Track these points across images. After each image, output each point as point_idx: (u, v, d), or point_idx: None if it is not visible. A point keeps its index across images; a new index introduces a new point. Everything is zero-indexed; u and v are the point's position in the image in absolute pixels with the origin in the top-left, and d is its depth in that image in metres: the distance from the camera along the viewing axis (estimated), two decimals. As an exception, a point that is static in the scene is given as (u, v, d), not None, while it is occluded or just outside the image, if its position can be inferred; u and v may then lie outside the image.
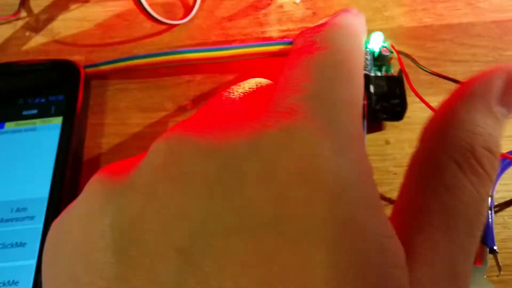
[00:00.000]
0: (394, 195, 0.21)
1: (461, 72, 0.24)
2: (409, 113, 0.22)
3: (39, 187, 0.20)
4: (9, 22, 0.28)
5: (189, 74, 0.25)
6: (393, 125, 0.22)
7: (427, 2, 0.27)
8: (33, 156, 0.20)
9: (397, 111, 0.22)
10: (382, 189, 0.21)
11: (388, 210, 0.12)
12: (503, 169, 0.20)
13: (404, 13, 0.26)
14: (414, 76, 0.22)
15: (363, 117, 0.22)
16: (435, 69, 0.24)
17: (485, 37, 0.25)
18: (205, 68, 0.25)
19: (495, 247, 0.18)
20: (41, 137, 0.21)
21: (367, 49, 0.23)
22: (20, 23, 0.28)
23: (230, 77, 0.25)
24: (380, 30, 0.25)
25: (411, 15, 0.26)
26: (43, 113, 0.22)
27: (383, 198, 0.21)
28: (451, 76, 0.23)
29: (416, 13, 0.26)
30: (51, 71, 0.23)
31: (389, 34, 0.25)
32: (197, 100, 0.24)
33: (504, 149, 0.21)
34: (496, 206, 0.20)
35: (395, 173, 0.21)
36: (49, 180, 0.20)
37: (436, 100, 0.22)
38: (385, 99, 0.22)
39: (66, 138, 0.21)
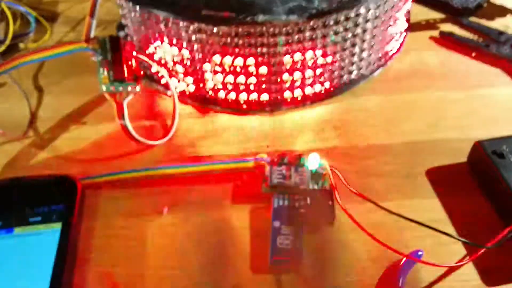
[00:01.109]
0: (328, 284, 0.26)
1: (380, 183, 0.30)
2: (341, 219, 0.28)
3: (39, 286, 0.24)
4: (18, 140, 0.34)
5: (165, 185, 0.31)
6: (327, 227, 0.28)
7: (355, 126, 0.34)
8: (35, 257, 0.25)
9: (328, 217, 0.28)
10: (318, 282, 0.26)
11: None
12: (409, 267, 0.26)
13: (337, 135, 0.33)
14: (342, 188, 0.29)
15: (302, 223, 0.28)
16: (361, 181, 0.30)
17: (400, 155, 0.32)
18: (179, 180, 0.31)
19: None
20: (43, 241, 0.26)
21: (306, 167, 0.30)
22: (27, 141, 0.34)
23: (200, 186, 0.30)
24: (319, 149, 0.32)
25: (343, 136, 0.33)
26: (46, 220, 0.27)
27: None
28: (372, 187, 0.30)
29: (347, 135, 0.33)
30: (53, 184, 0.29)
31: (326, 152, 0.32)
32: (172, 206, 0.30)
33: (412, 248, 0.27)
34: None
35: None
36: (49, 279, 0.24)
37: (363, 207, 0.29)
38: (316, 207, 0.28)
39: (64, 241, 0.26)
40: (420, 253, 0.26)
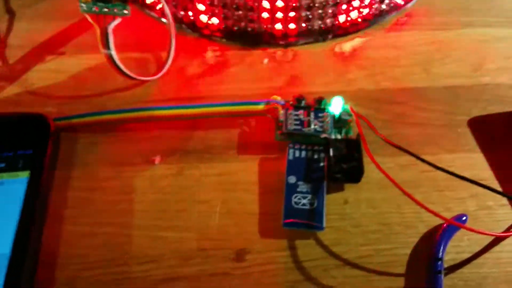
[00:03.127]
0: (351, 255, 0.22)
1: (414, 134, 0.25)
2: (367, 173, 0.23)
3: (1, 243, 0.20)
4: (-18, 71, 0.28)
5: (158, 130, 0.25)
6: (352, 185, 0.24)
7: (385, 66, 0.29)
8: (-2, 210, 0.21)
9: (355, 174, 0.23)
10: (339, 249, 0.22)
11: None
12: (450, 234, 0.21)
13: (364, 76, 0.28)
14: (372, 138, 0.24)
15: (323, 178, 0.23)
16: (390, 131, 0.25)
17: (438, 101, 0.27)
18: (174, 124, 0.26)
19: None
20: (7, 192, 0.21)
21: (328, 112, 0.25)
22: (-6, 73, 0.28)
23: (199, 132, 0.25)
24: (342, 92, 0.26)
25: (370, 78, 0.28)
26: (11, 167, 0.22)
27: (340, 258, 0.21)
28: (404, 138, 0.25)
29: (375, 76, 0.28)
30: (20, 124, 0.24)
31: (350, 96, 0.27)
32: (165, 155, 0.25)
33: (454, 212, 0.22)
34: (445, 269, 0.21)
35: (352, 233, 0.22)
36: (12, 236, 0.20)
37: (392, 161, 0.24)
38: (344, 161, 0.23)
39: (32, 193, 0.21)
40: (464, 218, 0.22)
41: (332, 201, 0.23)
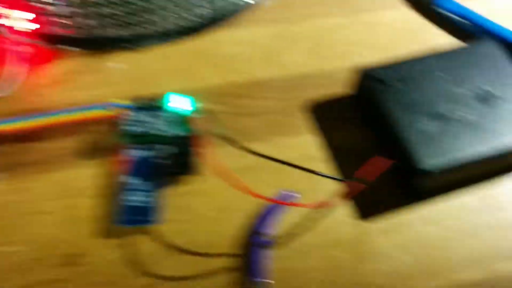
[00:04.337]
0: (188, 244, 0.22)
1: (257, 123, 0.27)
2: (202, 166, 0.24)
3: None
4: None
5: (-2, 144, 0.25)
6: (191, 177, 0.24)
7: (234, 62, 0.30)
8: None
9: (187, 167, 0.24)
10: (176, 240, 0.22)
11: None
12: (274, 211, 0.22)
13: (213, 73, 0.29)
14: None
15: (161, 175, 0.24)
16: (236, 123, 0.27)
17: (280, 89, 0.28)
18: (17, 138, 0.25)
19: (266, 280, 0.20)
20: None
21: (170, 111, 0.25)
22: None
23: (38, 143, 0.25)
24: (190, 90, 0.27)
25: (218, 74, 0.29)
26: None
27: (176, 248, 0.22)
28: (248, 128, 0.26)
29: (223, 72, 0.29)
30: None
31: (197, 93, 0.28)
32: (5, 170, 0.24)
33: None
34: (273, 243, 0.22)
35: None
36: None
37: (222, 153, 0.25)
38: (182, 157, 0.24)
39: None
40: (292, 194, 0.23)
41: (171, 195, 0.24)
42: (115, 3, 0.28)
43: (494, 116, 0.24)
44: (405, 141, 0.23)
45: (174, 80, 0.29)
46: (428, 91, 0.25)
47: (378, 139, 0.26)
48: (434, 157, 0.23)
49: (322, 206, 0.23)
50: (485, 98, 0.25)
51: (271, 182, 0.24)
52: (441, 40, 0.31)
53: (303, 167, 0.22)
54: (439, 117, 0.24)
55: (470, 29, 0.31)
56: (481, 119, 0.24)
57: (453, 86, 0.25)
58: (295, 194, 0.23)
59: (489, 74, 0.26)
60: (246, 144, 0.25)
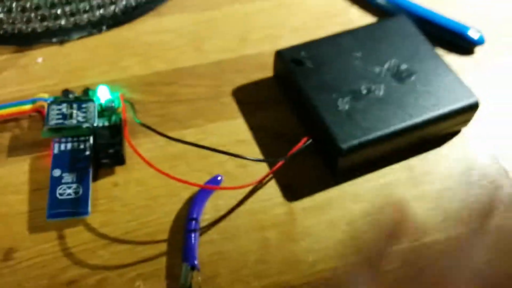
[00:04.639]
0: (118, 233, 0.23)
1: (183, 110, 0.27)
2: (134, 154, 0.24)
3: None
4: None
5: None
6: (121, 168, 0.25)
7: (159, 50, 0.30)
8: None
9: (117, 157, 0.24)
10: (107, 229, 0.23)
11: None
12: (204, 196, 0.24)
13: (138, 62, 0.29)
14: (146, 120, 0.25)
15: (88, 166, 0.24)
16: (163, 111, 0.27)
17: (206, 76, 0.29)
18: None
19: (195, 263, 0.22)
20: None
21: (93, 102, 0.26)
22: None
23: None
24: (116, 80, 0.28)
25: (144, 63, 0.29)
26: None
27: (108, 237, 0.23)
28: (174, 115, 0.27)
29: (149, 61, 0.30)
30: None
31: (124, 83, 0.28)
32: None
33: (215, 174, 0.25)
34: (204, 227, 0.23)
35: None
36: None
37: (162, 139, 0.25)
38: (109, 147, 0.25)
39: None
40: (219, 178, 0.24)
41: (102, 187, 0.24)
42: (33, -3, 0.27)
43: (407, 91, 0.26)
44: (322, 121, 0.24)
45: (99, 72, 0.29)
46: (342, 69, 0.26)
47: (300, 119, 0.27)
48: (350, 135, 0.24)
49: (249, 186, 0.24)
50: (398, 73, 0.26)
51: (201, 167, 0.25)
52: (362, 21, 0.33)
53: (226, 152, 0.24)
54: (354, 94, 0.25)
55: (390, 9, 0.33)
56: (394, 94, 0.25)
57: (367, 63, 0.27)
58: (223, 178, 0.24)
59: (401, 49, 0.27)
60: (177, 131, 0.26)
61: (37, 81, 0.28)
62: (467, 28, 0.31)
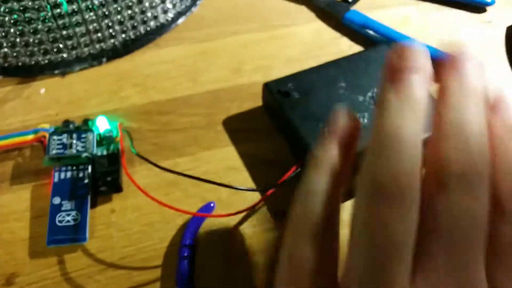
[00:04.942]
0: (115, 258, 0.24)
1: (179, 138, 0.29)
2: (131, 182, 0.26)
3: None
4: None
5: None
6: (118, 194, 0.26)
7: (157, 80, 0.32)
8: None
9: (115, 185, 0.26)
10: (104, 255, 0.24)
11: None
12: (196, 223, 0.25)
13: (137, 93, 0.31)
14: (144, 148, 0.27)
15: (87, 194, 0.25)
16: (159, 139, 0.29)
17: (201, 105, 0.31)
18: None
19: None
20: None
21: (92, 132, 0.27)
22: None
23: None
24: (115, 110, 0.29)
25: (142, 93, 0.31)
26: None
27: (104, 263, 0.24)
28: (170, 144, 0.28)
29: (147, 91, 0.31)
30: None
31: (122, 112, 0.29)
32: None
33: (209, 200, 0.26)
34: (199, 254, 0.24)
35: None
36: None
37: (148, 169, 0.27)
38: (107, 175, 0.26)
39: None
40: (212, 205, 0.25)
41: (99, 213, 0.25)
42: (39, 32, 0.29)
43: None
44: (309, 149, 0.26)
45: (99, 101, 0.30)
46: (328, 98, 0.28)
47: (289, 147, 0.28)
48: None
49: (240, 213, 0.25)
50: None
51: (195, 193, 0.26)
52: (352, 51, 0.34)
53: (217, 182, 0.25)
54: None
55: (376, 39, 0.35)
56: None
57: (351, 92, 0.28)
58: (215, 204, 0.26)
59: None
60: (171, 160, 0.28)
61: (39, 111, 0.30)
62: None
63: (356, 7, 0.37)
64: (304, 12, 0.37)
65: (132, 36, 0.32)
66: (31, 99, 0.30)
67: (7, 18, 0.28)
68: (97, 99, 0.30)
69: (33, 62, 0.31)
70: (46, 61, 0.31)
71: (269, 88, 0.28)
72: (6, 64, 0.30)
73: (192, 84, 0.32)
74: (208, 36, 0.35)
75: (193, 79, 0.32)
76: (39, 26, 0.29)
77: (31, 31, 0.29)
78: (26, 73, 0.31)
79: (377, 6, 0.37)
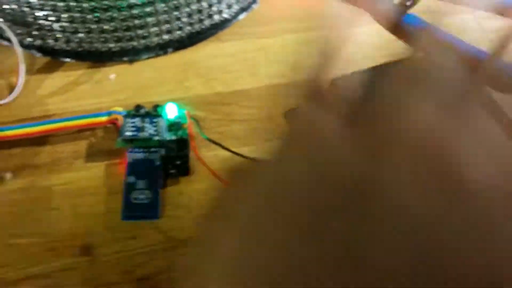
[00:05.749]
0: (184, 236, 0.26)
1: (241, 129, 0.30)
2: (198, 166, 0.27)
3: None
4: None
5: (8, 148, 0.28)
6: (185, 178, 0.28)
7: (219, 73, 0.33)
8: None
9: (184, 168, 0.27)
10: (174, 233, 0.26)
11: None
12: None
13: (200, 83, 0.32)
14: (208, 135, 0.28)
15: (159, 176, 0.27)
16: (222, 128, 0.30)
17: (261, 98, 0.32)
18: (23, 142, 0.28)
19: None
20: None
21: (162, 117, 0.29)
22: None
23: (48, 147, 0.28)
24: (181, 98, 0.31)
25: (205, 84, 0.32)
26: None
27: (175, 240, 0.25)
28: (232, 133, 0.30)
29: (210, 82, 0.33)
30: None
31: (188, 101, 0.31)
32: (18, 171, 0.27)
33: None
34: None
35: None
36: None
37: (213, 156, 0.28)
38: (176, 159, 0.27)
39: None
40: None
41: (168, 194, 0.27)
42: (114, 20, 0.31)
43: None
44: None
45: (165, 90, 0.32)
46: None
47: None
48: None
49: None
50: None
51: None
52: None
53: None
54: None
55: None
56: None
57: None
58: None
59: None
60: (236, 148, 0.29)
61: (109, 95, 0.31)
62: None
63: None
64: (362, 14, 0.38)
65: (198, 29, 0.34)
66: (102, 83, 0.32)
67: (86, 5, 0.30)
68: (163, 87, 0.32)
69: (105, 49, 0.32)
70: (118, 48, 0.32)
71: (335, 84, 0.29)
72: (80, 49, 0.32)
73: (251, 78, 0.33)
74: (267, 33, 0.36)
75: (253, 73, 0.33)
76: (115, 14, 0.30)
77: (108, 18, 0.30)
78: (97, 58, 0.33)
79: (432, 11, 0.38)
